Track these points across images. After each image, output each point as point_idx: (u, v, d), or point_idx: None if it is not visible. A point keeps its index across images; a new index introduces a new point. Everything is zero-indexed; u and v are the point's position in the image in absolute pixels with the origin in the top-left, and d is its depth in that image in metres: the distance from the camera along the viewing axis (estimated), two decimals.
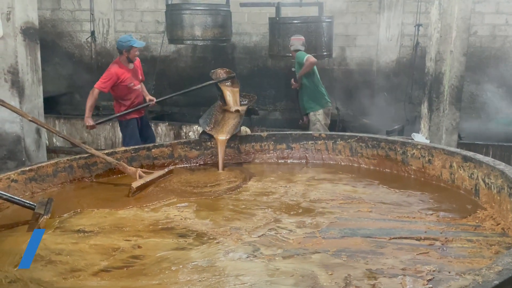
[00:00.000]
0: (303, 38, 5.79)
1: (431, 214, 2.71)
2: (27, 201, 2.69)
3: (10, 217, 2.71)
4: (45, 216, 2.56)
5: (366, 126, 6.69)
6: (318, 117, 5.60)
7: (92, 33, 8.50)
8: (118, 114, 4.94)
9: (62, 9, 9.00)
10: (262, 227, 2.53)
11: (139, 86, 5.04)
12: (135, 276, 2.06)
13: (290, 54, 6.00)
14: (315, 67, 5.61)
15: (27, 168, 3.05)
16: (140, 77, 5.11)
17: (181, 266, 2.12)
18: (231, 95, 4.11)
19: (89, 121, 4.81)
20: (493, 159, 2.97)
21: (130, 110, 4.95)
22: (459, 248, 2.27)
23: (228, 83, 4.23)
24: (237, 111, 4.01)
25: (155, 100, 5.10)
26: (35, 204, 2.65)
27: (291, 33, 6.20)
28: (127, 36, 5.04)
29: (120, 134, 6.05)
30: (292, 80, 5.77)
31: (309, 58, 5.51)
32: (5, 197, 2.64)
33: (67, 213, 2.74)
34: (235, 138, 3.89)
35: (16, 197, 2.69)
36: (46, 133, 5.19)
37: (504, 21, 7.64)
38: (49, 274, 2.08)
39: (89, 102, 4.78)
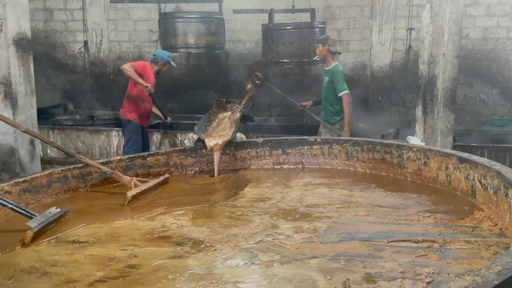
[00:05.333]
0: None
1: (429, 216, 2.70)
2: (30, 211, 2.65)
3: (4, 227, 2.68)
4: (30, 232, 2.47)
5: (361, 130, 6.69)
6: (331, 132, 5.43)
7: (85, 43, 8.49)
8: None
9: (55, 20, 9.00)
10: (259, 233, 2.51)
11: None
12: (131, 285, 2.03)
13: (286, 60, 5.87)
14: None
15: (21, 179, 3.01)
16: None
17: (178, 275, 2.10)
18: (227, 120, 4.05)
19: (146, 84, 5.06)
20: (488, 159, 2.97)
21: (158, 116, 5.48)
22: (458, 249, 2.25)
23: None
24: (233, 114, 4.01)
25: (170, 119, 5.84)
26: (36, 215, 2.61)
27: (284, 39, 6.20)
28: (168, 52, 5.57)
29: (116, 144, 6.03)
30: (345, 130, 5.05)
31: (346, 97, 5.05)
32: (10, 206, 2.61)
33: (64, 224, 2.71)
34: (231, 145, 3.88)
35: (20, 206, 2.66)
36: (40, 144, 5.16)
37: (495, 23, 7.72)
38: (44, 286, 2.05)
39: (131, 73, 5.01)
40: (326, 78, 5.34)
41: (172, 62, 5.40)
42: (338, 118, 5.34)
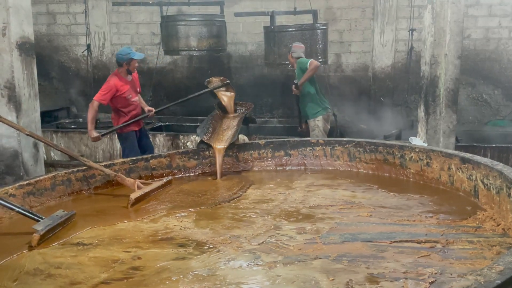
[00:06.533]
0: (303, 46, 5.72)
1: (431, 217, 2.70)
2: (37, 214, 2.67)
3: (9, 230, 2.69)
4: (36, 234, 2.48)
5: (364, 131, 6.70)
6: (318, 123, 5.59)
7: (88, 46, 8.53)
8: (120, 125, 4.96)
9: (58, 24, 9.04)
10: (262, 235, 2.52)
11: (137, 98, 5.08)
12: (135, 287, 2.05)
13: (287, 62, 5.97)
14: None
15: (25, 182, 3.03)
16: (138, 89, 5.15)
17: (181, 276, 2.11)
18: (227, 100, 4.14)
19: (93, 133, 4.83)
20: (491, 160, 2.97)
21: (131, 121, 4.97)
22: (460, 250, 2.26)
23: (223, 90, 4.24)
24: (235, 116, 4.06)
25: (154, 110, 5.14)
26: (43, 218, 2.63)
27: (286, 41, 6.23)
28: (127, 48, 5.12)
29: (118, 146, 6.05)
30: (293, 86, 5.55)
31: (312, 61, 5.39)
32: (17, 210, 2.63)
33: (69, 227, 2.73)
34: (233, 147, 3.89)
35: (27, 209, 2.68)
36: (43, 147, 5.18)
37: (497, 23, 7.71)
38: None
39: (90, 115, 4.81)
40: (296, 79, 5.58)
41: (134, 56, 4.92)
42: (319, 111, 5.52)
